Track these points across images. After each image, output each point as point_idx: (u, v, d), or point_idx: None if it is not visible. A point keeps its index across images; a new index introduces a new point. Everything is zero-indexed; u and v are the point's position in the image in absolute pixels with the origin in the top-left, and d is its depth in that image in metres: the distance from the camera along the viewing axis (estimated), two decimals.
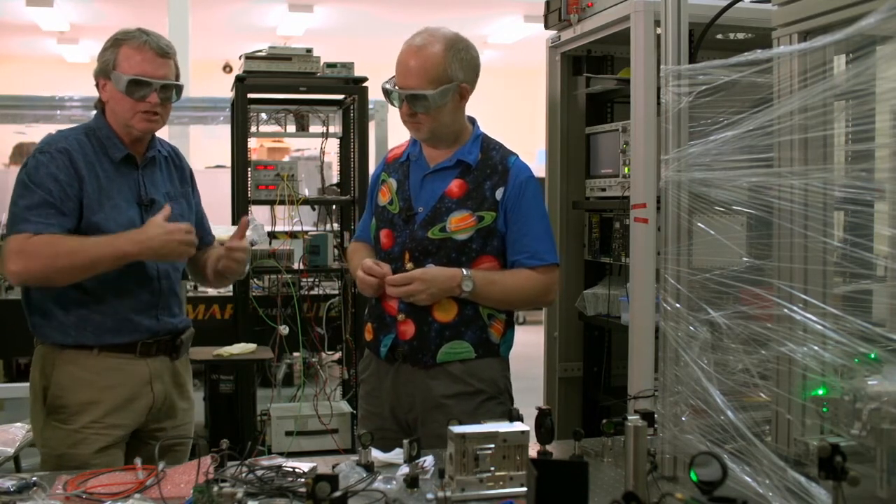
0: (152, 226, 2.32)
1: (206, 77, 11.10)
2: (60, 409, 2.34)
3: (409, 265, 2.43)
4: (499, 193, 2.42)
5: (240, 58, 4.68)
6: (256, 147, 10.72)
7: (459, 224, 2.41)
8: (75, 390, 2.34)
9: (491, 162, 2.46)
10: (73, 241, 2.29)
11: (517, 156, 2.51)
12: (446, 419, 2.23)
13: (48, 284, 2.32)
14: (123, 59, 2.38)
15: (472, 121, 2.55)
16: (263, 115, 4.96)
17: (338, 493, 1.51)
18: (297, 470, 1.82)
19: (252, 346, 4.14)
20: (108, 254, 2.28)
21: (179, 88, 2.45)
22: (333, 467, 1.85)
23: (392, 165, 2.59)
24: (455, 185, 2.44)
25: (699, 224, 1.85)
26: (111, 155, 2.41)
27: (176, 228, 2.34)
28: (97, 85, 2.44)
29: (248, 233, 3.61)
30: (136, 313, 2.39)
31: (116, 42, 2.40)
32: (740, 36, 3.36)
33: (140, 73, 2.36)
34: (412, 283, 2.36)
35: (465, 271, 2.38)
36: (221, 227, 3.86)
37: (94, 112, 2.51)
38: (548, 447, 1.98)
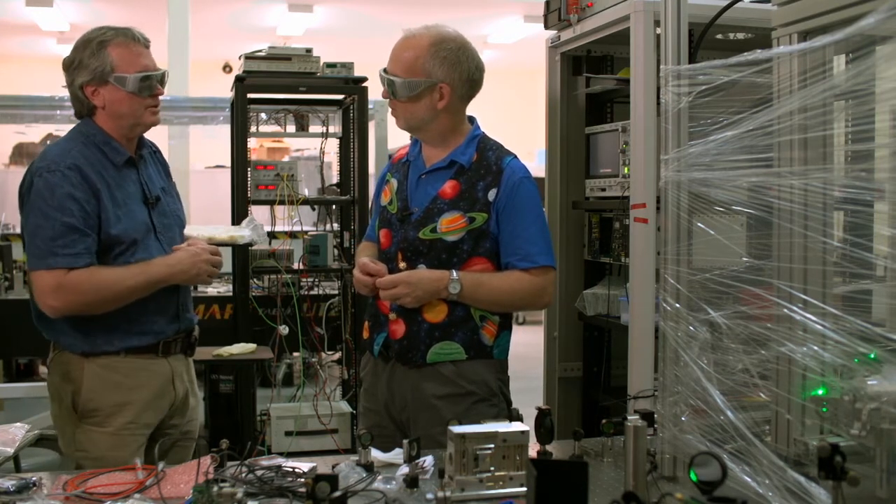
0: (179, 250, 2.42)
1: (206, 77, 11.10)
2: (93, 412, 2.36)
3: (402, 265, 2.44)
4: (491, 195, 2.42)
5: (239, 58, 4.68)
6: (256, 147, 10.72)
7: (450, 225, 2.41)
8: (106, 392, 2.36)
9: (486, 163, 2.45)
10: (110, 273, 2.32)
11: (514, 156, 2.49)
12: (436, 420, 2.25)
13: (87, 314, 2.34)
14: (120, 60, 2.35)
15: (472, 120, 2.55)
16: (263, 115, 4.95)
17: (338, 493, 1.51)
18: (296, 470, 1.82)
19: (252, 346, 4.13)
20: (143, 282, 2.34)
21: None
22: (333, 467, 1.85)
23: (396, 166, 2.60)
24: (448, 186, 2.44)
25: (699, 224, 1.85)
26: (113, 160, 2.39)
27: (202, 249, 2.43)
28: (84, 94, 2.38)
29: (247, 232, 3.61)
30: (160, 315, 2.43)
31: (101, 45, 2.36)
32: (740, 36, 3.36)
33: (143, 68, 2.38)
34: (397, 286, 2.37)
35: (453, 273, 2.37)
36: (221, 227, 3.86)
37: (79, 119, 2.47)
38: (548, 447, 1.98)
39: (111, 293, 2.31)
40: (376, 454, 1.99)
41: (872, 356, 1.54)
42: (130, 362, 2.39)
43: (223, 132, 5.58)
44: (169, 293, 2.44)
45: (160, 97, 2.45)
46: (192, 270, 2.42)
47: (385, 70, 2.45)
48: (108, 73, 2.35)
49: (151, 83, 2.38)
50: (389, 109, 2.51)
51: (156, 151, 2.60)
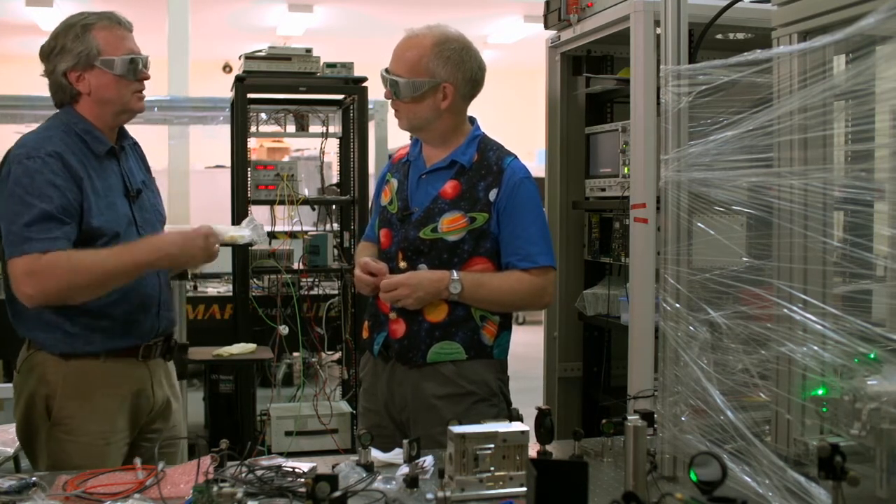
0: (171, 233, 2.32)
1: (206, 77, 11.10)
2: (67, 419, 2.24)
3: (402, 265, 2.44)
4: (492, 195, 2.42)
5: (239, 58, 4.68)
6: (256, 147, 10.72)
7: (451, 225, 2.41)
8: (83, 398, 2.25)
9: (486, 163, 2.46)
10: (88, 255, 2.18)
11: (515, 157, 2.49)
12: (437, 420, 2.25)
13: (66, 303, 2.21)
14: (106, 44, 2.28)
15: (472, 121, 2.55)
16: (263, 115, 4.96)
17: (338, 493, 1.51)
18: (296, 470, 1.82)
19: (252, 346, 4.13)
20: (128, 263, 2.20)
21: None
22: (333, 467, 1.85)
23: (396, 166, 2.60)
24: (449, 186, 2.44)
25: (699, 224, 1.85)
26: (95, 150, 2.29)
27: (197, 234, 2.29)
28: (67, 80, 2.28)
29: (247, 232, 3.61)
30: (141, 312, 2.33)
31: (85, 28, 2.27)
32: (740, 36, 3.36)
33: (129, 51, 2.31)
34: (398, 288, 2.37)
35: (454, 274, 2.37)
36: (220, 227, 3.86)
37: (57, 110, 2.36)
38: (548, 447, 1.98)
39: (90, 277, 2.16)
40: (376, 454, 1.98)
41: (872, 356, 1.54)
42: (110, 367, 2.28)
43: (223, 132, 5.58)
44: (150, 288, 2.34)
45: (150, 87, 2.39)
46: (181, 257, 2.30)
47: (387, 70, 2.44)
48: (95, 56, 2.26)
49: (138, 66, 2.32)
50: (391, 110, 2.51)
51: (135, 144, 2.51)
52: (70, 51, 2.27)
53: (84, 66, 2.28)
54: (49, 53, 2.30)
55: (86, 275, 2.17)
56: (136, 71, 2.32)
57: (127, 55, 2.30)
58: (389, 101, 2.48)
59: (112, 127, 2.37)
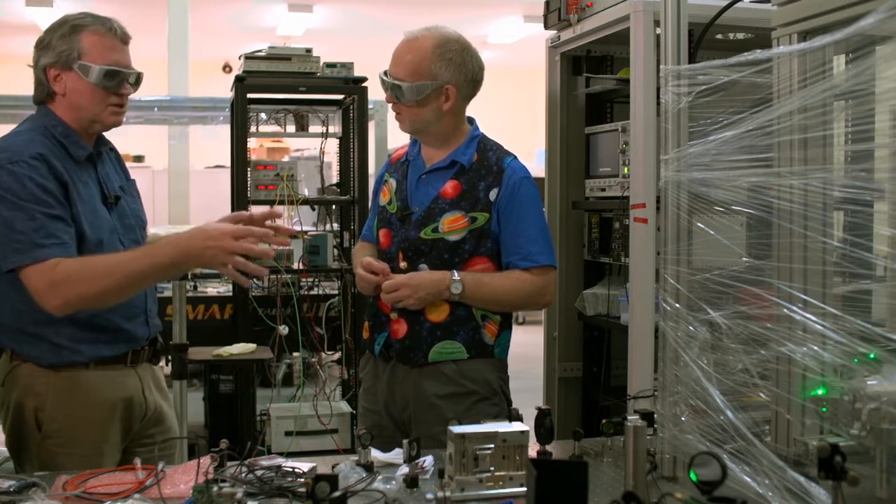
0: (196, 230, 2.13)
1: (206, 77, 11.09)
2: (58, 431, 2.19)
3: (402, 265, 2.44)
4: (492, 194, 2.42)
5: (239, 58, 4.68)
6: (256, 147, 10.72)
7: (452, 225, 2.41)
8: (74, 409, 2.20)
9: (486, 163, 2.46)
10: (105, 260, 2.12)
11: (514, 157, 2.50)
12: (438, 419, 2.26)
13: (94, 308, 2.15)
14: (90, 48, 2.20)
15: (471, 121, 2.55)
16: (263, 115, 4.96)
17: (337, 493, 1.51)
18: (296, 470, 1.82)
19: (252, 346, 4.13)
20: (148, 266, 2.10)
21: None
22: (333, 467, 1.85)
23: (394, 166, 2.60)
24: (450, 186, 2.44)
25: (699, 224, 1.85)
26: (74, 154, 2.22)
27: (221, 234, 2.07)
28: (46, 77, 2.22)
29: None
30: (128, 321, 2.28)
31: (74, 28, 2.21)
32: (740, 36, 3.37)
33: (113, 62, 2.22)
34: (399, 289, 2.37)
35: (455, 274, 2.38)
36: None
37: (35, 109, 2.30)
38: (547, 447, 1.98)
39: (107, 283, 2.08)
40: (376, 454, 1.98)
41: (872, 356, 1.54)
42: (99, 375, 2.23)
43: (223, 132, 5.58)
44: (137, 297, 2.28)
45: (131, 98, 2.31)
46: (201, 258, 2.10)
47: (387, 74, 2.43)
48: (74, 59, 2.19)
49: (119, 80, 2.23)
50: (392, 112, 2.50)
51: (112, 149, 2.43)
52: (54, 48, 2.21)
53: (63, 66, 2.21)
54: (38, 45, 2.26)
55: (104, 281, 2.09)
56: (117, 84, 2.23)
57: (108, 66, 2.21)
58: (390, 104, 2.47)
59: (89, 132, 2.30)
